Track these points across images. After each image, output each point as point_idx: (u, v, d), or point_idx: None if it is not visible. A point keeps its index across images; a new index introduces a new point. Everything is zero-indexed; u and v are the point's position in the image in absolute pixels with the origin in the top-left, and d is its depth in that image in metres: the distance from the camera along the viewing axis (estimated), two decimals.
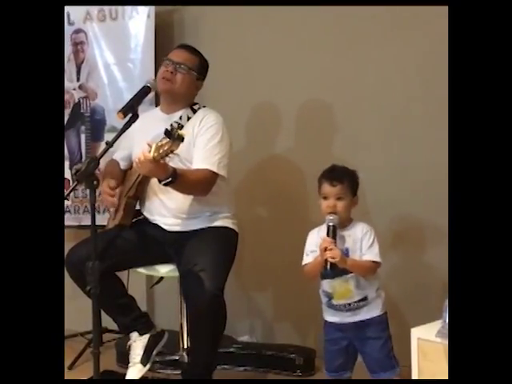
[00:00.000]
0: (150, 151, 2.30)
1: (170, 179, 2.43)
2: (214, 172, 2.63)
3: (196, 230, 2.72)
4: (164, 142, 2.26)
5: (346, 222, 2.41)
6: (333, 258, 2.25)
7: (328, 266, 2.27)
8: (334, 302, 2.39)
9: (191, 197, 2.68)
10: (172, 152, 2.25)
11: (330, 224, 2.33)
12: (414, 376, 2.22)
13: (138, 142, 2.75)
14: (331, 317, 2.43)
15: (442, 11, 1.91)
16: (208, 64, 2.87)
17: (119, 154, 2.85)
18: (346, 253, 2.35)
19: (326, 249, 2.26)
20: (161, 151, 2.26)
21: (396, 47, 3.06)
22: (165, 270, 2.75)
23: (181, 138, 2.21)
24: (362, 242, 2.36)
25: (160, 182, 2.47)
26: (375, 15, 3.06)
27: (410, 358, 2.22)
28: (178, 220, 2.74)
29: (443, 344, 2.04)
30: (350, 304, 2.37)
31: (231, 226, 2.79)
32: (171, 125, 2.75)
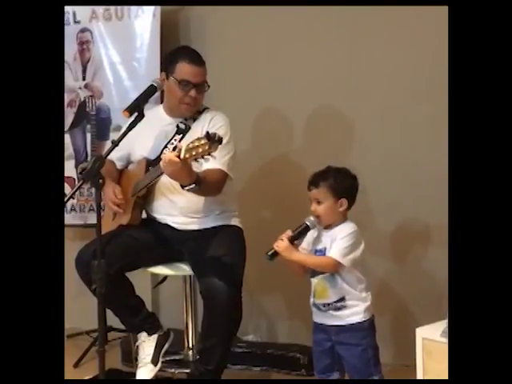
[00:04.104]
0: (178, 153, 2.27)
1: (195, 185, 2.41)
2: (225, 172, 2.65)
3: (208, 229, 2.74)
4: (197, 143, 2.21)
5: (333, 224, 2.40)
6: (277, 247, 2.35)
7: (269, 252, 2.37)
8: (316, 301, 2.40)
9: (200, 196, 2.67)
10: (209, 154, 2.21)
11: (305, 222, 2.39)
12: (419, 376, 2.22)
13: (142, 142, 2.75)
14: (316, 317, 2.43)
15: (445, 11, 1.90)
16: None
17: (116, 153, 2.73)
18: (322, 253, 2.37)
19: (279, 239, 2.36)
20: (194, 153, 2.21)
21: (401, 49, 3.06)
22: (185, 268, 2.76)
23: (220, 141, 2.19)
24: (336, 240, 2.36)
25: (183, 187, 2.43)
26: (378, 17, 3.06)
27: (415, 357, 2.22)
28: (189, 219, 2.74)
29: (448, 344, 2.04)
30: (329, 304, 2.36)
31: (239, 224, 2.83)
32: (177, 126, 2.76)
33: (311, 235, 2.46)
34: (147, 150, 2.76)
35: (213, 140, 2.17)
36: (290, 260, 2.37)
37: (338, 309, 2.35)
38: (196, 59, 2.74)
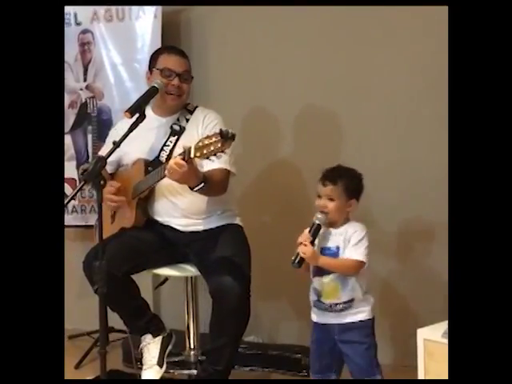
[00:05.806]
0: (183, 155, 2.28)
1: (203, 184, 2.42)
2: (228, 170, 2.65)
3: (212, 229, 2.74)
4: (208, 141, 2.21)
5: (338, 223, 2.39)
6: (304, 254, 2.28)
7: (296, 260, 2.30)
8: (322, 300, 2.37)
9: (201, 197, 2.65)
10: (223, 151, 2.21)
11: (316, 221, 2.34)
12: (420, 376, 2.22)
13: (134, 145, 2.68)
14: (317, 317, 2.41)
15: (445, 11, 1.90)
16: None
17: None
18: (336, 251, 2.35)
19: (301, 243, 2.30)
20: (204, 151, 2.21)
21: (400, 49, 3.06)
22: (191, 269, 2.75)
23: (233, 137, 2.19)
24: (350, 241, 2.34)
25: (192, 188, 2.45)
26: (377, 17, 3.06)
27: (417, 358, 2.22)
28: (191, 220, 2.74)
29: None
30: (336, 304, 2.35)
31: (240, 222, 2.84)
32: (171, 127, 2.73)
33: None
34: (143, 152, 2.74)
35: (226, 137, 2.16)
36: (314, 265, 2.34)
37: (345, 309, 2.34)
38: (177, 50, 2.81)
